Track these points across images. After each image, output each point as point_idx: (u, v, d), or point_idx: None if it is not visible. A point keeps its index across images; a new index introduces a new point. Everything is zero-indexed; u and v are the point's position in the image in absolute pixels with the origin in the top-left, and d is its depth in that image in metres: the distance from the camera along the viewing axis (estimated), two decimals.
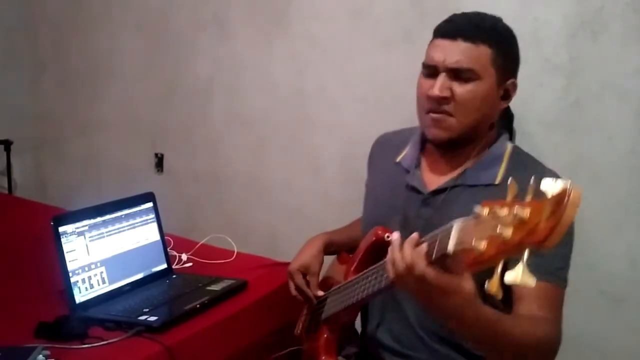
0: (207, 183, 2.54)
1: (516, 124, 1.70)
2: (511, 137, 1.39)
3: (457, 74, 1.25)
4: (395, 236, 1.06)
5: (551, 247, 0.75)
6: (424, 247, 1.00)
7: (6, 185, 2.99)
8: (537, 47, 1.69)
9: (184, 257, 1.84)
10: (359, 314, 1.47)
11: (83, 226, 1.52)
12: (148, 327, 1.37)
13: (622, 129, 1.60)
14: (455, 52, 1.25)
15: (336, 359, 1.39)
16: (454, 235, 0.91)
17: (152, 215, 1.71)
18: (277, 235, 2.34)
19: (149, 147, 2.70)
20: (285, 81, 2.26)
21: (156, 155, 2.68)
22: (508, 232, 0.77)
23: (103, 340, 1.32)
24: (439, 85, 1.25)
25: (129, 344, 1.33)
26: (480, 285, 1.19)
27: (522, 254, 0.77)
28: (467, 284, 0.99)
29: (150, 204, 1.71)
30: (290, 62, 2.24)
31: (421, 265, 0.98)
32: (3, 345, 1.26)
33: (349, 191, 2.12)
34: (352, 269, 1.36)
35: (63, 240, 1.47)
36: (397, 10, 1.96)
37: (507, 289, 1.16)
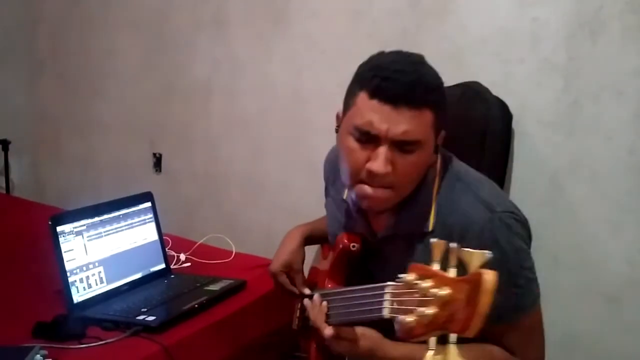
0: (205, 183, 2.54)
1: (515, 125, 1.71)
2: (509, 139, 1.35)
3: (400, 146, 1.11)
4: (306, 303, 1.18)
5: (472, 335, 0.73)
6: (323, 306, 1.13)
7: (4, 185, 2.98)
8: (536, 48, 1.69)
9: (182, 257, 1.84)
10: None
11: (81, 226, 1.52)
12: (146, 327, 1.37)
13: (621, 129, 1.60)
14: (400, 121, 1.09)
15: None
16: (388, 298, 0.91)
17: (150, 215, 1.71)
18: (275, 235, 2.31)
19: (147, 147, 2.69)
20: (284, 81, 2.26)
21: (154, 155, 2.68)
22: (431, 312, 0.76)
23: (101, 340, 1.32)
24: (383, 161, 1.10)
25: (127, 343, 1.33)
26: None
27: (448, 334, 0.75)
28: (368, 329, 1.07)
29: (148, 204, 1.71)
30: (289, 62, 2.24)
31: (323, 329, 1.10)
32: (0, 345, 1.25)
33: None
34: (327, 275, 1.35)
35: (61, 239, 1.46)
36: (395, 10, 1.96)
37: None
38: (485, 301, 0.70)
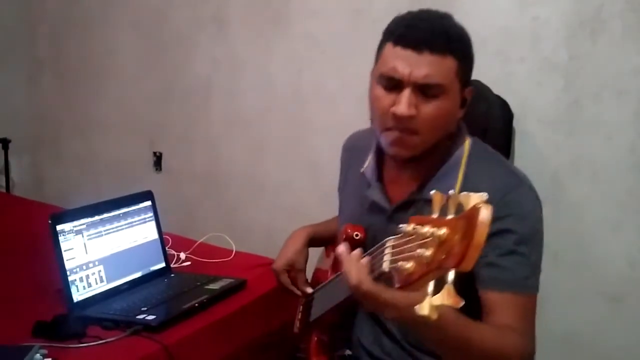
0: (205, 182, 2.54)
1: (515, 124, 1.70)
2: (509, 137, 1.36)
3: (424, 90, 1.14)
4: (339, 250, 1.04)
5: (467, 270, 0.72)
6: (364, 262, 0.99)
7: (4, 184, 2.98)
8: (537, 47, 1.69)
9: (183, 256, 1.84)
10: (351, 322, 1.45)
11: (81, 225, 1.51)
12: (146, 326, 1.36)
13: (621, 128, 1.60)
14: (422, 65, 1.13)
15: None
16: (388, 253, 0.90)
17: (151, 214, 1.71)
18: (276, 234, 2.32)
19: (148, 146, 2.69)
20: (284, 81, 2.26)
21: (154, 154, 2.68)
22: (429, 253, 0.75)
23: (101, 340, 1.31)
24: (406, 103, 1.14)
25: (127, 343, 1.32)
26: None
27: (446, 274, 0.73)
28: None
29: (148, 203, 1.71)
30: (289, 61, 2.24)
31: (366, 282, 0.98)
32: (0, 344, 1.25)
33: None
34: (330, 268, 1.35)
35: (61, 238, 1.46)
36: (395, 9, 1.92)
37: (476, 302, 1.17)
38: (480, 232, 0.69)
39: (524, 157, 1.72)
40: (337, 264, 1.33)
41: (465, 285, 1.17)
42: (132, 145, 2.75)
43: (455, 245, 0.72)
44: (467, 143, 1.26)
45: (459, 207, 0.75)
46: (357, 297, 1.02)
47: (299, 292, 1.46)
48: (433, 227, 0.75)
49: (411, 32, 1.16)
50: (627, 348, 1.65)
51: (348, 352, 1.43)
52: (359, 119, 2.09)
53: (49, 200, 2.61)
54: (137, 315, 1.41)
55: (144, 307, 1.45)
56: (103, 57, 2.79)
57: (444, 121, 1.19)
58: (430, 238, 0.75)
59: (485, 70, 1.74)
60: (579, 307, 1.68)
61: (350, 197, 1.42)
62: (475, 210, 0.70)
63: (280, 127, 2.30)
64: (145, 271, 1.65)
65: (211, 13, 2.41)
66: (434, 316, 0.74)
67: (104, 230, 1.57)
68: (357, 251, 1.01)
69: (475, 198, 0.73)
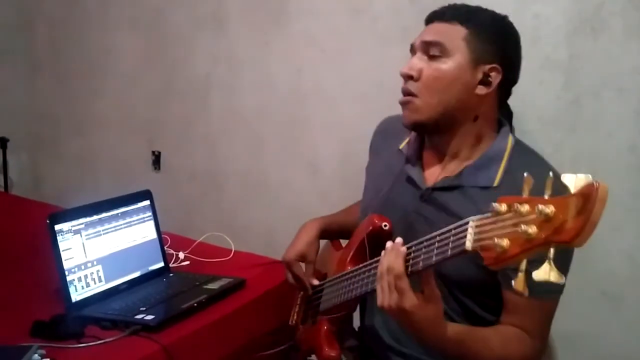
0: (204, 181, 2.54)
1: (515, 122, 1.69)
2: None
3: (428, 50, 1.23)
4: (388, 245, 1.07)
5: (579, 246, 0.73)
6: (404, 249, 1.02)
7: (2, 183, 2.98)
8: (537, 45, 1.69)
9: (181, 255, 1.83)
10: (358, 308, 1.46)
11: (79, 224, 1.51)
12: (145, 326, 1.36)
13: (622, 127, 1.60)
14: (430, 31, 1.25)
15: (339, 351, 1.37)
16: (471, 232, 0.89)
17: (149, 214, 1.70)
18: (275, 233, 2.33)
19: (146, 145, 2.69)
20: (283, 79, 2.25)
21: (153, 153, 2.67)
22: (533, 230, 0.75)
23: (99, 340, 1.31)
24: (408, 63, 1.24)
25: (125, 343, 1.32)
26: (477, 284, 1.19)
27: (547, 251, 0.75)
28: (431, 308, 1.03)
29: (147, 202, 1.70)
30: (289, 60, 2.23)
31: (401, 267, 1.01)
32: None
33: (347, 189, 2.11)
34: (348, 259, 1.34)
35: (59, 238, 1.45)
36: (395, 8, 1.95)
37: (499, 299, 1.18)
38: (599, 209, 0.70)
39: None
40: (354, 257, 1.33)
41: (481, 283, 1.19)
42: (131, 144, 2.74)
43: (567, 221, 0.72)
44: (510, 139, 1.28)
45: (557, 191, 0.75)
46: (383, 283, 1.04)
47: (308, 284, 1.46)
48: (537, 205, 0.75)
49: (431, 13, 1.29)
50: (628, 347, 1.64)
51: (354, 342, 1.44)
52: (359, 118, 2.10)
53: (47, 199, 2.60)
54: (135, 315, 1.41)
55: (142, 307, 1.45)
56: (101, 55, 2.79)
57: (444, 84, 1.21)
58: (534, 216, 0.75)
59: None
60: (580, 307, 1.68)
61: (381, 174, 1.42)
62: (592, 187, 0.71)
63: (280, 126, 2.29)
64: (144, 271, 1.65)
65: (210, 11, 2.40)
66: (527, 292, 0.77)
67: (103, 230, 1.56)
68: (399, 239, 1.05)
69: (581, 179, 0.73)
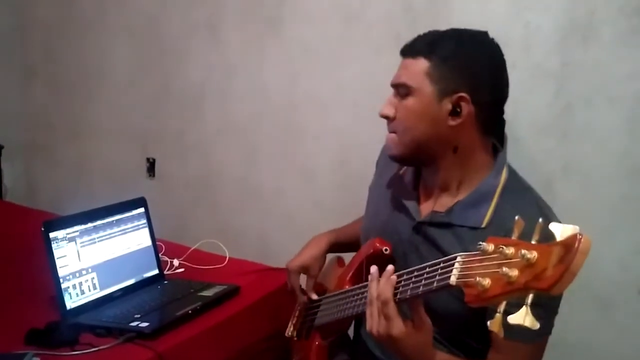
0: (199, 188, 2.54)
1: (507, 130, 1.70)
2: (502, 144, 1.36)
3: (398, 91, 1.25)
4: (372, 269, 1.09)
5: (557, 294, 0.74)
6: (394, 278, 1.05)
7: None
8: (529, 53, 1.70)
9: (176, 262, 1.83)
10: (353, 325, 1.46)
11: (74, 232, 1.51)
12: (139, 334, 1.36)
13: (613, 134, 1.61)
14: (399, 69, 1.26)
15: None
16: (458, 267, 0.91)
17: (144, 221, 1.70)
18: (269, 240, 2.34)
19: (141, 152, 2.69)
20: (277, 87, 2.26)
21: (148, 160, 2.68)
22: (514, 273, 0.77)
23: (94, 347, 1.31)
24: (384, 104, 1.26)
25: (120, 350, 1.32)
26: (460, 321, 1.20)
27: (526, 296, 0.76)
28: (421, 335, 1.05)
29: (141, 209, 1.70)
30: (282, 67, 2.24)
31: (388, 293, 1.04)
32: None
33: (341, 196, 2.12)
34: (347, 278, 1.35)
35: (54, 245, 1.46)
36: (388, 15, 1.97)
37: (487, 334, 1.19)
38: (579, 261, 0.72)
39: (516, 163, 1.72)
40: (353, 277, 1.34)
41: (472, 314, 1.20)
42: (126, 152, 2.74)
43: (547, 269, 0.74)
44: (504, 174, 1.25)
45: (546, 236, 0.77)
46: (372, 308, 1.07)
47: (303, 298, 1.47)
48: (521, 249, 0.77)
49: (404, 45, 1.27)
50: (619, 352, 1.65)
51: (345, 357, 1.44)
52: (352, 125, 2.11)
53: (42, 206, 2.60)
54: (130, 322, 1.41)
55: (137, 314, 1.45)
56: (96, 62, 2.79)
57: (415, 120, 1.22)
58: (517, 259, 0.77)
59: None
60: (571, 312, 1.68)
61: (381, 197, 1.42)
62: (575, 238, 0.73)
63: (274, 133, 2.30)
64: (139, 278, 1.65)
65: (204, 19, 2.41)
66: (502, 334, 0.79)
67: (97, 238, 1.56)
68: (390, 267, 1.07)
69: (568, 229, 0.75)
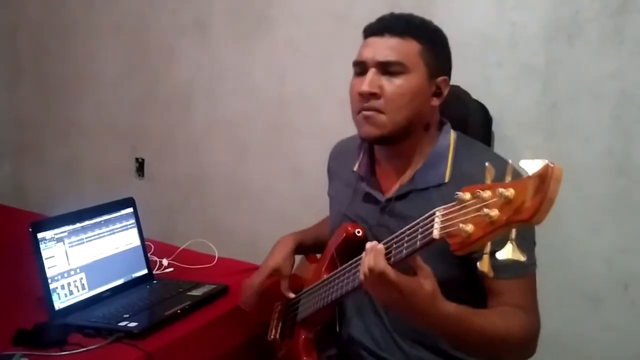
0: (188, 188, 2.54)
1: (494, 128, 1.72)
2: (489, 141, 1.40)
3: (386, 69, 1.24)
4: (368, 245, 1.06)
5: (538, 224, 0.76)
6: (381, 246, 1.04)
7: None
8: (515, 51, 1.71)
9: (165, 262, 1.84)
10: (337, 316, 1.47)
11: (62, 232, 1.51)
12: (128, 334, 1.36)
13: (598, 131, 1.63)
14: (384, 46, 1.24)
15: (317, 358, 1.39)
16: (438, 221, 0.91)
17: (133, 221, 1.70)
18: (259, 239, 2.33)
19: (130, 152, 2.68)
20: (266, 85, 2.26)
21: (137, 160, 2.67)
22: (494, 213, 0.79)
23: (82, 347, 1.31)
24: (367, 81, 1.24)
25: (108, 350, 1.32)
26: (451, 283, 1.21)
27: (510, 232, 0.79)
28: (428, 284, 1.02)
29: (130, 210, 1.70)
30: (271, 66, 2.25)
31: (381, 264, 1.01)
32: None
33: None
34: (323, 269, 1.36)
35: (42, 246, 1.46)
36: (375, 14, 1.96)
37: (479, 287, 1.20)
38: (554, 189, 0.74)
39: None
40: (329, 266, 1.35)
41: (463, 272, 1.21)
42: (115, 152, 2.74)
43: (525, 202, 0.76)
44: (453, 135, 1.31)
45: (518, 175, 0.80)
46: (368, 282, 1.04)
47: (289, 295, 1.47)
48: (498, 189, 0.79)
49: (377, 23, 1.29)
50: (606, 347, 1.67)
51: (334, 350, 1.45)
52: (342, 123, 2.10)
53: (30, 207, 2.59)
54: (119, 322, 1.41)
55: (126, 314, 1.45)
56: (84, 62, 2.78)
57: (409, 99, 1.24)
58: (495, 199, 0.79)
59: (464, 75, 1.77)
60: (560, 308, 1.70)
61: (343, 197, 1.45)
62: (548, 168, 0.74)
63: (263, 132, 2.30)
64: (128, 278, 1.65)
65: (193, 19, 2.41)
66: (491, 274, 0.82)
67: (86, 238, 1.56)
68: (374, 242, 1.06)
69: (538, 163, 0.76)
